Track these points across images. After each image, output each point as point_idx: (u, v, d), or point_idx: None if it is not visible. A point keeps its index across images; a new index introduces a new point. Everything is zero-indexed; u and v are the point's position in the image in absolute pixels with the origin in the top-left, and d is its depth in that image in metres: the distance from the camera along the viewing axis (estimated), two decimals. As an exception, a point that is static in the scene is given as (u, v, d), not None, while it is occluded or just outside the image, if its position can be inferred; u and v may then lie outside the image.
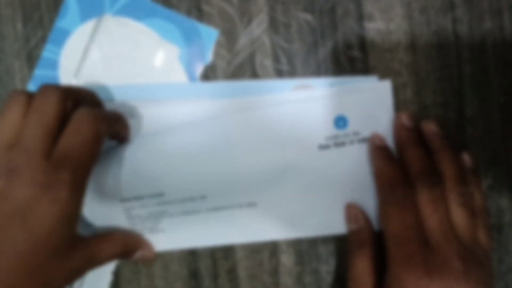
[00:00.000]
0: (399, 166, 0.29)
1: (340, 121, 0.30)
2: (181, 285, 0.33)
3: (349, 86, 0.30)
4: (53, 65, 0.32)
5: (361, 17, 0.31)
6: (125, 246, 0.29)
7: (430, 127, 0.30)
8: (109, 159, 0.29)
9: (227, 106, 0.30)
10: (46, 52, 0.32)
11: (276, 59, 0.31)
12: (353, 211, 0.30)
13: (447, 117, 0.31)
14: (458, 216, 0.26)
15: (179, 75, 0.32)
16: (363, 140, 0.30)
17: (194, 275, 0.33)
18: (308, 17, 0.31)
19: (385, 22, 0.30)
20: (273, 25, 0.31)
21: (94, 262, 0.26)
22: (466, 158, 0.29)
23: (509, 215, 0.31)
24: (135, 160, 0.29)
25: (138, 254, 0.30)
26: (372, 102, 0.30)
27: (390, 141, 0.30)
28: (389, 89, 0.30)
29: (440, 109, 0.31)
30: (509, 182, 0.31)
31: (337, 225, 0.31)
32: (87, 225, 0.31)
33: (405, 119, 0.29)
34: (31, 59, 0.32)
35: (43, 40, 0.32)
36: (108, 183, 0.29)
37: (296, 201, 0.30)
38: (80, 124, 0.24)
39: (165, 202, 0.30)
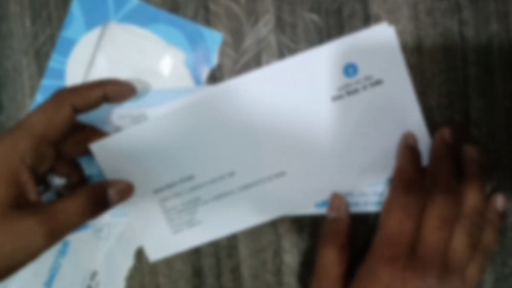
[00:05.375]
0: (422, 171, 0.28)
1: (350, 69, 0.29)
2: (184, 283, 0.33)
3: (353, 35, 0.30)
4: (60, 74, 0.32)
5: (367, 18, 0.31)
6: (91, 194, 0.26)
7: (471, 152, 0.29)
8: (133, 149, 0.29)
9: (239, 81, 0.30)
10: (53, 62, 0.32)
11: (282, 59, 0.31)
12: (336, 201, 0.30)
13: (452, 119, 0.31)
14: (459, 242, 0.27)
15: (185, 79, 0.32)
16: (377, 82, 0.30)
17: (197, 273, 0.33)
18: (315, 17, 0.31)
19: (391, 23, 0.31)
20: (280, 25, 0.31)
21: (57, 226, 0.23)
22: (500, 200, 0.29)
23: (513, 217, 0.31)
24: (160, 145, 0.29)
25: (112, 194, 0.27)
26: (379, 46, 0.29)
27: (408, 87, 0.30)
28: (393, 33, 0.29)
29: (445, 111, 0.31)
30: (514, 184, 0.31)
31: (370, 176, 0.31)
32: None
33: (447, 134, 0.29)
34: (39, 56, 0.33)
35: (51, 37, 0.33)
36: (137, 174, 0.30)
37: (323, 161, 0.30)
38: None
39: (196, 186, 0.30)
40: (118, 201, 0.28)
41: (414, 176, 0.28)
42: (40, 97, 0.33)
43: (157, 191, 0.30)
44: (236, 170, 0.30)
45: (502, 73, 0.30)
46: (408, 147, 0.29)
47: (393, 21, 0.31)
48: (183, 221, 0.31)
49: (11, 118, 0.33)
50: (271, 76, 0.29)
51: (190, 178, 0.30)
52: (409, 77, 0.30)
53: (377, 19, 0.31)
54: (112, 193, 0.27)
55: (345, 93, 0.30)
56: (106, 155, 0.29)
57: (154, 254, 0.32)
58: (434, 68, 0.31)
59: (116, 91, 0.28)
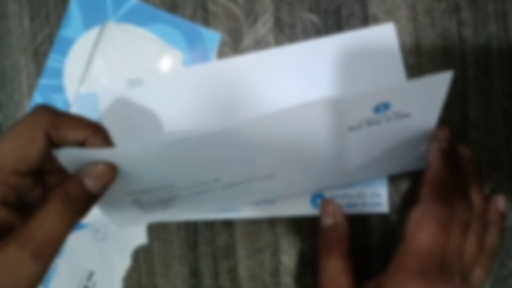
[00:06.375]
0: (461, 175, 0.26)
1: (382, 107, 0.25)
2: (181, 283, 0.33)
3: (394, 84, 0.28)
4: (58, 74, 0.32)
5: (366, 18, 0.31)
6: (65, 195, 0.21)
7: (467, 152, 0.29)
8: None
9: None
10: (51, 61, 0.32)
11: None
12: (330, 207, 0.29)
13: (451, 120, 0.31)
14: (471, 245, 0.26)
15: (183, 79, 0.32)
16: (404, 116, 0.26)
17: (195, 273, 0.33)
18: (313, 17, 0.31)
19: (389, 24, 0.31)
20: (278, 25, 0.31)
21: (40, 245, 0.20)
22: (501, 200, 0.29)
23: (512, 219, 0.31)
24: (138, 168, 0.25)
25: (90, 183, 0.22)
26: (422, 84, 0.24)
27: (434, 120, 0.26)
28: (446, 82, 0.24)
29: (443, 111, 0.30)
30: (512, 185, 0.31)
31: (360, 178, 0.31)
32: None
33: (447, 135, 0.27)
34: (37, 55, 0.33)
35: (49, 36, 0.33)
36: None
37: (317, 169, 0.29)
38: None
39: (176, 189, 0.27)
40: (102, 187, 0.23)
41: (451, 184, 0.25)
42: (38, 96, 0.33)
43: (129, 193, 0.27)
44: (221, 176, 0.27)
45: (501, 74, 0.30)
46: (441, 150, 0.26)
47: (391, 21, 0.31)
48: (156, 208, 0.29)
49: (9, 117, 0.33)
50: (278, 120, 0.24)
51: (170, 186, 0.27)
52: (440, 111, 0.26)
53: (375, 20, 0.31)
54: (89, 182, 0.22)
55: (365, 124, 0.26)
56: (73, 162, 0.23)
57: (121, 225, 0.30)
58: (432, 68, 0.31)
59: (94, 143, 0.23)
